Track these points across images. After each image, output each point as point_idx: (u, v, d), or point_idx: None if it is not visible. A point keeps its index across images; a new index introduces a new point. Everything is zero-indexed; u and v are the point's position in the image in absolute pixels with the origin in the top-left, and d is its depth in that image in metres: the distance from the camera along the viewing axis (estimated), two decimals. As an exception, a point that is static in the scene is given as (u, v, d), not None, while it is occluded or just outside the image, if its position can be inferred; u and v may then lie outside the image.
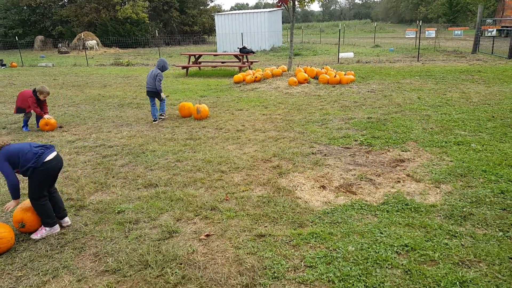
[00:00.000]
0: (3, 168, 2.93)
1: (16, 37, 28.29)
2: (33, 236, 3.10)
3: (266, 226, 3.12)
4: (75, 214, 3.48)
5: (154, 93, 6.80)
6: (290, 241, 2.90)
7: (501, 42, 17.03)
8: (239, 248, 2.82)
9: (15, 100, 9.47)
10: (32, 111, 6.57)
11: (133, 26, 35.77)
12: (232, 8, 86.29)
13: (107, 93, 10.34)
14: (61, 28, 37.87)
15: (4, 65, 20.02)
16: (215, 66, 14.46)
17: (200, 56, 14.57)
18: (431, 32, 19.06)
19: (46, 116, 6.48)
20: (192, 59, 14.46)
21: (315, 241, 2.88)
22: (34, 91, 6.36)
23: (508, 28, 22.20)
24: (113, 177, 4.35)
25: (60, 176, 4.39)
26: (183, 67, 14.10)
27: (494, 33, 17.48)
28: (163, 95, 6.92)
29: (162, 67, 6.82)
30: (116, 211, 3.48)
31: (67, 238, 3.08)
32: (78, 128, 6.67)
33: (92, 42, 30.52)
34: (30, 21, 39.38)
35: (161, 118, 7.01)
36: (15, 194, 2.99)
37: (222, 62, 14.71)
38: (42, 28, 38.92)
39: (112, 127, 6.63)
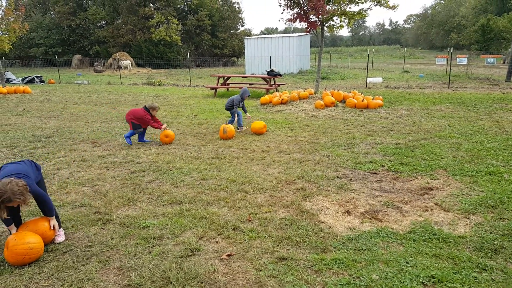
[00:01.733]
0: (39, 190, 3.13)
1: (56, 55, 30.09)
2: (59, 239, 3.30)
3: (288, 249, 3.09)
4: (102, 228, 3.58)
5: (226, 108, 8.23)
6: (312, 266, 2.85)
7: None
8: (260, 270, 2.80)
9: (51, 115, 9.99)
10: (143, 128, 6.93)
11: (166, 48, 37.24)
12: (262, 32, 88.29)
13: (138, 111, 10.71)
14: (98, 48, 40.02)
15: (43, 81, 21.27)
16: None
17: (228, 77, 14.92)
18: (462, 59, 18.74)
19: (163, 127, 6.84)
20: (221, 80, 14.82)
21: (338, 268, 2.82)
22: (146, 108, 6.73)
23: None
24: (140, 192, 4.47)
25: (89, 190, 4.58)
26: (212, 88, 14.46)
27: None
28: (248, 115, 8.46)
29: (242, 95, 8.03)
30: (141, 226, 3.55)
31: (93, 250, 3.17)
32: (109, 144, 6.93)
33: (126, 62, 31.93)
34: (70, 40, 41.86)
35: (239, 129, 7.92)
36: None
37: (250, 84, 14.98)
38: (80, 47, 41.27)
39: (141, 145, 6.84)
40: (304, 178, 4.82)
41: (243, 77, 17.28)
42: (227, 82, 14.88)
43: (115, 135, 7.62)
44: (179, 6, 43.42)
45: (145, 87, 18.35)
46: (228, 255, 3.02)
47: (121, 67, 28.90)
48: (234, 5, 46.73)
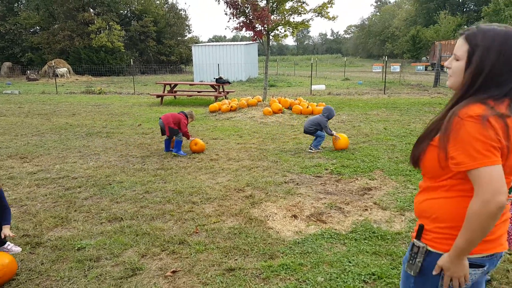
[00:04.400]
0: None
1: (-18, 63, 27.42)
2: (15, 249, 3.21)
3: (236, 259, 3.05)
4: (30, 252, 3.25)
5: (308, 133, 6.70)
6: (260, 274, 2.84)
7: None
8: (207, 284, 2.73)
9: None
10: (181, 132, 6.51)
11: (107, 55, 35.65)
12: (210, 40, 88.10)
13: (75, 122, 10.10)
14: (31, 55, 37.20)
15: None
16: (190, 95, 14.54)
17: (175, 85, 14.63)
18: (396, 67, 20.16)
19: (191, 138, 6.64)
20: (167, 88, 14.49)
21: (285, 273, 2.84)
22: (184, 113, 6.64)
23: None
24: (75, 211, 4.16)
25: (17, 210, 4.16)
26: (158, 96, 14.07)
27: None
28: (335, 134, 6.59)
29: (328, 116, 6.66)
30: (76, 248, 3.30)
31: (19, 279, 2.85)
32: (41, 158, 6.41)
33: (63, 69, 30.05)
34: (-2, 47, 38.43)
35: (310, 151, 6.54)
36: None
37: (198, 92, 14.81)
38: (11, 54, 38.07)
39: (78, 158, 6.43)
40: (253, 185, 4.82)
41: (191, 84, 17.03)
42: (174, 89, 14.58)
43: (48, 148, 7.08)
44: (121, 11, 41.87)
45: (84, 95, 17.37)
46: (173, 272, 2.90)
47: (57, 75, 27.12)
48: (180, 12, 46.06)
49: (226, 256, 3.11)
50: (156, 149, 6.93)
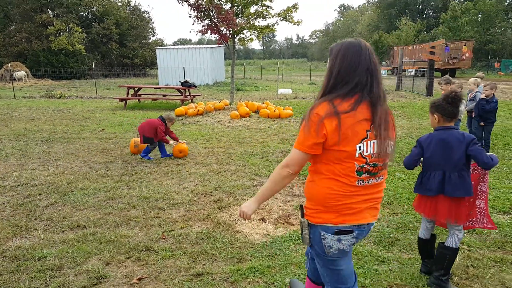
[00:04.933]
0: None
1: None
2: None
3: (204, 264, 3.02)
4: (-14, 264, 3.08)
5: None
6: (228, 278, 2.82)
7: (420, 81, 19.04)
8: (174, 290, 2.68)
9: None
10: (156, 141, 6.29)
11: (68, 58, 34.32)
12: (175, 43, 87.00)
13: (35, 127, 9.62)
14: (-15, 58, 35.08)
15: None
16: (155, 99, 14.25)
17: (139, 88, 14.30)
18: (360, 71, 20.82)
19: (181, 141, 6.49)
20: (131, 91, 14.14)
21: (254, 276, 2.84)
22: (162, 118, 6.31)
23: (424, 69, 25.00)
24: (35, 219, 3.96)
25: (-29, 220, 3.91)
26: (121, 100, 13.69)
27: (413, 73, 19.58)
28: None
29: None
30: (37, 258, 3.14)
31: (-25, 292, 2.70)
32: (-2, 165, 6.05)
33: (21, 73, 28.60)
34: None
35: None
36: None
37: (164, 95, 14.56)
38: (-37, 57, 35.74)
39: (37, 164, 6.12)
40: (220, 189, 4.80)
41: (155, 88, 16.72)
42: (138, 93, 14.25)
43: (5, 155, 6.69)
44: (82, 13, 40.47)
45: (44, 100, 16.59)
46: (139, 279, 2.83)
47: (14, 79, 25.72)
48: (143, 14, 45.18)
49: (193, 261, 3.07)
50: (119, 154, 6.73)
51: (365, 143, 1.67)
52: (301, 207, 1.84)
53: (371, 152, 1.69)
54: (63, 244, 3.38)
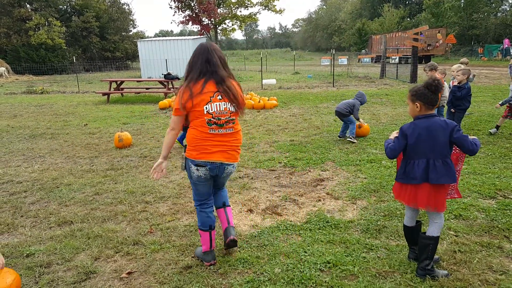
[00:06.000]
0: None
1: None
2: None
3: (193, 257, 3.04)
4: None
5: (341, 115, 6.62)
6: (218, 270, 2.85)
7: (404, 68, 19.27)
8: (164, 283, 2.70)
9: None
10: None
11: (48, 52, 33.41)
12: (157, 35, 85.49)
13: (17, 123, 9.39)
14: (-37, 54, 33.86)
15: None
16: (138, 93, 14.05)
17: (122, 82, 14.06)
18: (343, 60, 20.91)
19: None
20: (114, 85, 13.89)
21: (243, 267, 2.88)
22: None
23: (408, 57, 25.31)
24: (22, 216, 3.91)
25: (-47, 221, 3.82)
26: (104, 94, 13.45)
27: (397, 60, 19.77)
28: (361, 121, 6.78)
29: (362, 100, 6.73)
30: (25, 255, 3.11)
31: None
32: (-22, 164, 5.90)
33: (1, 69, 27.82)
34: None
35: (350, 140, 6.54)
36: None
37: (147, 88, 14.36)
38: None
39: (21, 161, 6.00)
40: (207, 182, 4.79)
41: (138, 81, 16.45)
42: (121, 87, 14.01)
43: (-15, 153, 6.53)
44: (61, 6, 39.29)
45: (25, 96, 16.16)
46: (129, 273, 2.83)
47: (-8, 75, 24.95)
48: (124, 7, 44.17)
49: (182, 254, 3.09)
50: (104, 149, 6.64)
51: (209, 105, 2.60)
52: (185, 146, 2.77)
53: (215, 110, 2.61)
54: (51, 241, 3.35)
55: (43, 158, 6.17)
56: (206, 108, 2.59)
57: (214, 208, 3.03)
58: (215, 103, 2.60)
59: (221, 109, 2.61)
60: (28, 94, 16.91)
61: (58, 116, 10.46)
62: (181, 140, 6.27)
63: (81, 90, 17.46)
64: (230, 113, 2.66)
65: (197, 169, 2.69)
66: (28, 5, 35.70)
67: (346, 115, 6.58)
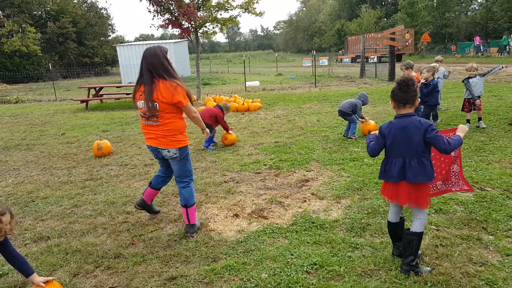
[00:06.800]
0: None
1: None
2: None
3: (177, 267, 2.94)
4: None
5: (344, 114, 6.72)
6: (203, 279, 2.76)
7: (382, 67, 19.54)
8: (147, 296, 2.59)
9: None
10: (215, 128, 6.78)
11: (23, 60, 32.52)
12: (137, 39, 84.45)
13: (-11, 135, 9.04)
14: None
15: None
16: (118, 98, 13.77)
17: (101, 88, 13.77)
18: (324, 61, 21.09)
19: (231, 131, 6.78)
20: (92, 92, 13.59)
21: (229, 274, 2.80)
22: (219, 106, 6.69)
23: (386, 56, 25.68)
24: (-6, 234, 3.71)
25: None
26: (82, 101, 13.13)
27: (375, 59, 20.07)
28: (366, 119, 6.88)
29: (364, 101, 6.88)
30: (-3, 275, 2.94)
31: None
32: (-51, 179, 5.63)
33: (-29, 78, 26.82)
34: None
35: (350, 139, 6.63)
36: None
37: (127, 94, 14.08)
38: None
39: (-6, 175, 5.75)
40: (191, 188, 4.69)
41: (118, 86, 16.09)
42: (100, 93, 13.72)
43: (-44, 168, 6.24)
44: (35, 12, 38.31)
45: (-2, 106, 15.65)
46: (110, 288, 2.71)
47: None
48: (102, 11, 43.44)
49: (166, 265, 2.98)
50: (83, 158, 6.44)
51: (139, 102, 3.28)
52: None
53: (141, 106, 3.27)
54: (26, 259, 3.17)
55: (18, 170, 5.94)
56: (139, 105, 3.31)
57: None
58: (140, 101, 3.26)
59: (143, 106, 3.22)
60: (2, 104, 16.38)
61: (34, 126, 10.14)
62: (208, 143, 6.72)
63: (58, 98, 17.03)
64: (153, 110, 3.18)
65: (149, 151, 3.62)
66: (0, 12, 34.68)
67: (349, 114, 6.69)
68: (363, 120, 6.82)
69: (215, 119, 6.55)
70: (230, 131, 6.75)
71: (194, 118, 3.40)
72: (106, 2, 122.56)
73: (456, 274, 2.61)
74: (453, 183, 2.84)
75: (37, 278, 2.49)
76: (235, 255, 3.07)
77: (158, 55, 3.24)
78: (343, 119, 7.20)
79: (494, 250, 2.91)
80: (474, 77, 6.73)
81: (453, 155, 2.79)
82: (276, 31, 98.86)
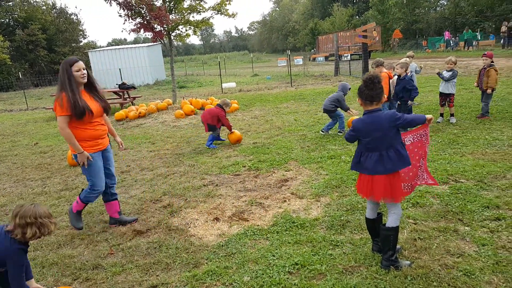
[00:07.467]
0: None
1: None
2: None
3: (158, 275, 2.90)
4: None
5: (328, 111, 6.83)
6: (185, 286, 2.74)
7: (356, 64, 19.90)
8: (128, 307, 2.55)
9: None
10: (219, 127, 6.77)
11: (-9, 69, 31.28)
12: (109, 44, 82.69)
13: (-44, 148, 8.65)
14: None
15: None
16: (93, 106, 13.46)
17: (74, 96, 13.40)
18: (299, 60, 21.28)
19: (233, 129, 6.82)
20: (65, 100, 13.19)
21: (211, 279, 2.78)
22: (219, 105, 6.73)
23: (357, 54, 26.18)
24: (-37, 252, 3.55)
25: None
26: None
27: (349, 57, 20.43)
28: (352, 111, 6.88)
29: (344, 91, 6.86)
30: (-32, 296, 2.82)
31: None
32: None
33: None
34: None
35: (340, 134, 6.77)
36: None
37: (101, 101, 13.78)
38: None
39: (-38, 190, 5.50)
40: (170, 193, 4.65)
41: (92, 94, 15.77)
42: (74, 101, 13.35)
43: None
44: (2, 20, 36.96)
45: (-35, 117, 14.98)
46: (88, 301, 2.65)
47: None
48: (72, 17, 42.29)
49: (146, 273, 2.94)
50: (57, 168, 6.26)
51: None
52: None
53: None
54: (-2, 276, 3.06)
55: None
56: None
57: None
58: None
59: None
60: (-30, 115, 15.70)
61: (5, 136, 9.78)
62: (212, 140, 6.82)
63: (30, 107, 16.49)
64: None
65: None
66: (-36, 20, 33.29)
67: (333, 110, 6.78)
68: (350, 112, 6.94)
69: (217, 118, 6.62)
70: (233, 130, 6.84)
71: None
72: (76, 7, 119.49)
73: (435, 267, 2.68)
74: (418, 177, 2.90)
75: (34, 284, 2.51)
76: (217, 259, 3.06)
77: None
78: (319, 118, 7.31)
79: (471, 240, 2.99)
80: (450, 70, 6.90)
81: (427, 150, 2.85)
82: (251, 32, 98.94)
